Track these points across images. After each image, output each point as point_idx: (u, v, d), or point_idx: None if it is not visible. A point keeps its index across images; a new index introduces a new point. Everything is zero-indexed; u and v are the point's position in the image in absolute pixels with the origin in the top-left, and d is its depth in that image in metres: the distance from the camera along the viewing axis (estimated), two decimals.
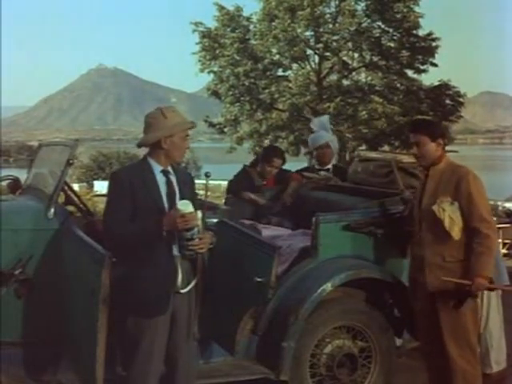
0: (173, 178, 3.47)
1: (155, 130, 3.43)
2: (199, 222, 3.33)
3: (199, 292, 3.53)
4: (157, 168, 3.45)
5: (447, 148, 4.28)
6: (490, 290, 4.04)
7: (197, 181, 3.80)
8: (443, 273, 3.83)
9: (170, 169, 3.49)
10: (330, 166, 5.63)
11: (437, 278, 3.83)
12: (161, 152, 3.43)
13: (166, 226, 3.28)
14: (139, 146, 3.52)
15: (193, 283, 3.42)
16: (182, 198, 3.41)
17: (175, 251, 3.37)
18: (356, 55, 24.36)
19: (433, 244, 3.87)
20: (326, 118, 6.04)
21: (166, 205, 3.39)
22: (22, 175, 5.04)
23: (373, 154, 5.46)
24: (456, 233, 3.79)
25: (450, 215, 3.78)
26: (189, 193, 3.51)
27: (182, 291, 3.39)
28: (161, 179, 3.44)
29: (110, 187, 3.46)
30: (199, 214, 3.34)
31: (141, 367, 3.35)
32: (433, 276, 3.86)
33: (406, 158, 4.79)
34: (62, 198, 4.51)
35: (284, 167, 5.57)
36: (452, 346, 3.86)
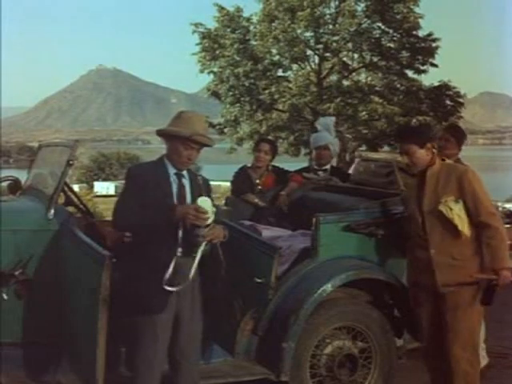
0: (186, 182, 3.47)
1: (169, 125, 3.50)
2: (210, 221, 3.32)
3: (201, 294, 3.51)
4: (171, 169, 3.46)
5: None
6: None
7: None
8: (453, 271, 3.84)
9: (184, 173, 3.48)
10: (327, 167, 5.64)
11: (446, 277, 3.84)
12: (173, 155, 3.45)
13: (178, 215, 3.27)
14: (158, 135, 3.57)
15: (180, 286, 3.31)
16: (192, 203, 3.40)
17: (178, 252, 3.35)
18: (356, 56, 24.36)
19: (440, 244, 3.88)
20: (331, 120, 6.05)
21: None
22: (22, 176, 5.04)
23: (374, 155, 5.48)
24: (466, 230, 3.83)
25: (457, 213, 3.81)
26: None
27: (169, 289, 3.27)
28: (174, 181, 3.45)
29: (125, 182, 3.51)
30: (213, 215, 3.33)
31: (144, 367, 3.34)
32: (443, 276, 3.86)
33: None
34: (61, 199, 4.51)
35: (283, 167, 5.58)
36: (457, 347, 3.86)
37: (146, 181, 3.37)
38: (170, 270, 3.29)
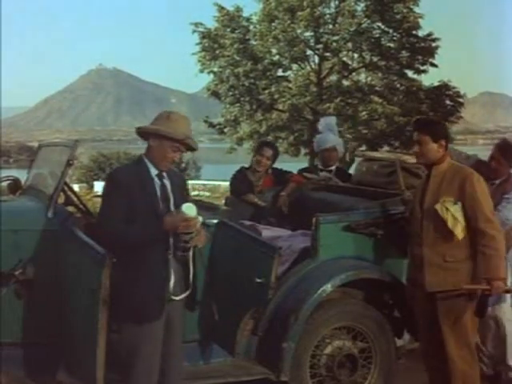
0: (167, 183, 3.43)
1: (152, 123, 3.42)
2: (198, 226, 3.32)
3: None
4: (153, 170, 3.40)
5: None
6: (508, 292, 4.04)
7: (197, 181, 3.79)
8: (443, 273, 3.83)
9: (164, 173, 3.44)
10: (333, 168, 5.64)
11: (435, 278, 3.83)
12: (158, 155, 3.37)
13: (167, 227, 3.26)
14: (137, 132, 3.47)
15: (187, 292, 3.42)
16: (175, 203, 3.40)
17: (170, 255, 3.36)
18: (356, 56, 24.35)
19: (433, 244, 3.87)
20: (333, 119, 6.03)
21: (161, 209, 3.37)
22: (22, 176, 5.04)
23: (377, 154, 5.47)
24: (459, 232, 3.78)
25: (453, 214, 3.78)
26: (181, 197, 3.49)
27: (175, 298, 3.37)
28: (156, 183, 3.40)
29: (107, 188, 3.41)
30: (200, 218, 3.32)
31: (143, 369, 3.33)
32: (431, 276, 3.85)
33: (410, 159, 4.78)
34: (61, 199, 4.51)
35: (283, 168, 5.58)
36: (452, 346, 3.86)
37: (131, 185, 3.30)
38: (172, 279, 3.34)
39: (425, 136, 3.92)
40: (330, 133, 5.71)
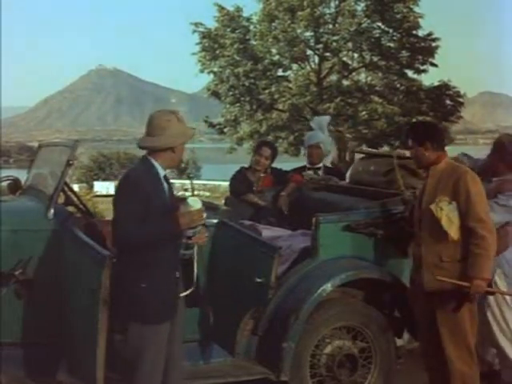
0: (170, 183, 3.46)
1: (171, 134, 3.33)
2: (204, 219, 3.33)
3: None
4: (161, 172, 3.38)
5: None
6: (489, 293, 4.02)
7: (197, 181, 3.79)
8: (440, 273, 3.82)
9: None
10: (320, 165, 5.68)
11: (433, 278, 3.83)
12: (167, 156, 3.36)
13: (184, 224, 3.24)
14: (148, 148, 3.38)
15: (190, 290, 3.42)
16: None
17: (180, 254, 3.36)
18: (356, 55, 24.36)
19: (430, 244, 3.87)
20: (325, 119, 6.12)
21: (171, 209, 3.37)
22: (22, 176, 5.04)
23: (373, 150, 5.48)
24: (454, 232, 3.77)
25: (447, 214, 3.77)
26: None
27: (181, 295, 3.39)
28: (164, 184, 3.40)
29: (125, 189, 3.33)
30: (204, 214, 3.33)
31: (149, 369, 3.32)
32: (429, 276, 3.85)
33: (408, 153, 4.76)
34: (61, 199, 4.51)
35: (283, 167, 5.58)
36: (450, 347, 3.85)
37: (146, 186, 3.27)
38: (179, 275, 3.35)
39: (409, 141, 3.98)
40: (319, 131, 5.82)
